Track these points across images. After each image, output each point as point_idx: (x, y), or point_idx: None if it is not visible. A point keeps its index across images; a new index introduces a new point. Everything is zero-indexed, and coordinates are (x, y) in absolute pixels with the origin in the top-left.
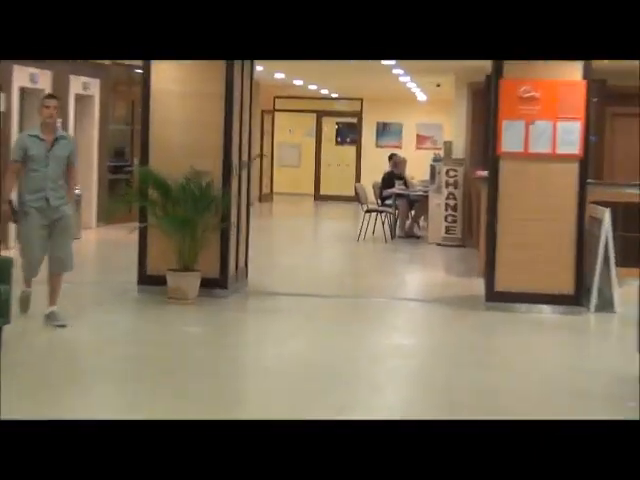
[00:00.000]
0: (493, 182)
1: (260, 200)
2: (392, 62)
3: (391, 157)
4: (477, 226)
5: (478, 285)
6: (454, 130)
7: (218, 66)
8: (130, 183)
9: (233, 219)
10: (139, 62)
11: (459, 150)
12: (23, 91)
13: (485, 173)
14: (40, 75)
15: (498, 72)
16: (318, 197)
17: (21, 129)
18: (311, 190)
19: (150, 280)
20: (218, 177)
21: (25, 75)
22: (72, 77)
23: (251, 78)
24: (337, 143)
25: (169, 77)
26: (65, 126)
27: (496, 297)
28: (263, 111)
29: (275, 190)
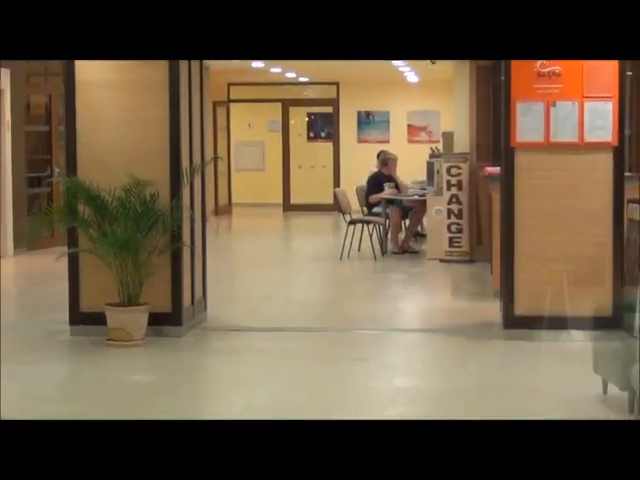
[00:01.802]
0: (507, 181)
1: (216, 214)
2: None
3: (379, 155)
4: (488, 236)
5: (493, 309)
6: (455, 118)
7: None
8: (52, 198)
9: (185, 239)
10: None
11: (462, 143)
12: None
13: (496, 170)
14: None
15: None
16: (288, 207)
17: None
18: (279, 199)
19: (85, 319)
20: (165, 187)
21: None
22: None
23: (200, 61)
24: (309, 139)
25: (98, 63)
26: None
27: (516, 323)
28: (215, 103)
29: (234, 201)
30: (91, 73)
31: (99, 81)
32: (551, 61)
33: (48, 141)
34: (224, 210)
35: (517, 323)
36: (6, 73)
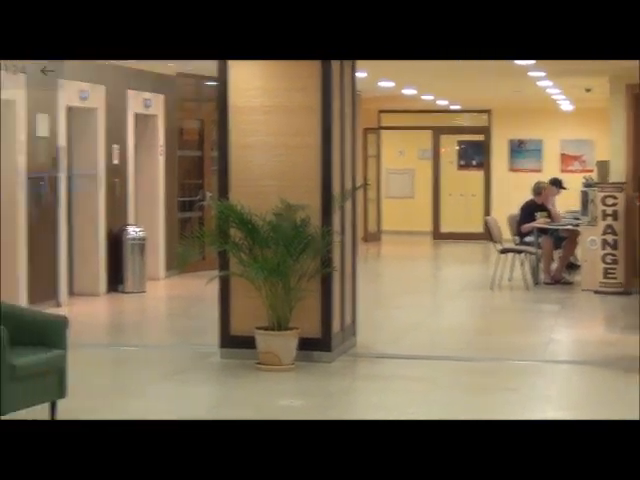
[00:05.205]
0: None
1: (365, 240)
2: (529, 62)
3: (559, 183)
4: None
5: None
6: (610, 147)
7: (311, 73)
8: (203, 222)
9: (336, 264)
10: (211, 72)
11: (618, 172)
12: (72, 111)
13: None
14: (91, 91)
15: None
16: (438, 235)
17: (70, 155)
18: (428, 227)
19: (235, 342)
20: (315, 212)
21: (74, 91)
22: (130, 92)
23: (353, 87)
24: (460, 167)
25: (251, 89)
26: (123, 152)
27: None
28: (366, 130)
29: (383, 228)
30: (244, 98)
31: (252, 106)
32: None
33: (200, 166)
34: (373, 237)
35: None
36: (159, 99)
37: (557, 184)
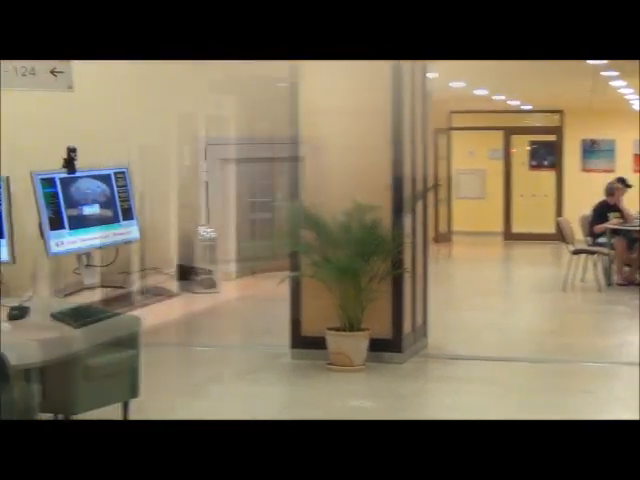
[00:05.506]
0: None
1: (436, 241)
2: (602, 62)
3: (623, 181)
4: None
5: None
6: None
7: (382, 74)
8: (274, 223)
9: (407, 265)
10: (283, 73)
11: None
12: None
13: None
14: None
15: None
16: (509, 236)
17: (142, 155)
18: (499, 227)
19: (306, 342)
20: (387, 213)
21: None
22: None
23: (424, 88)
24: (531, 167)
25: (322, 90)
26: (195, 153)
27: None
28: (437, 130)
29: (454, 228)
30: (315, 100)
31: (323, 107)
32: None
33: (271, 166)
34: (444, 238)
35: None
36: (231, 99)
37: (622, 183)
